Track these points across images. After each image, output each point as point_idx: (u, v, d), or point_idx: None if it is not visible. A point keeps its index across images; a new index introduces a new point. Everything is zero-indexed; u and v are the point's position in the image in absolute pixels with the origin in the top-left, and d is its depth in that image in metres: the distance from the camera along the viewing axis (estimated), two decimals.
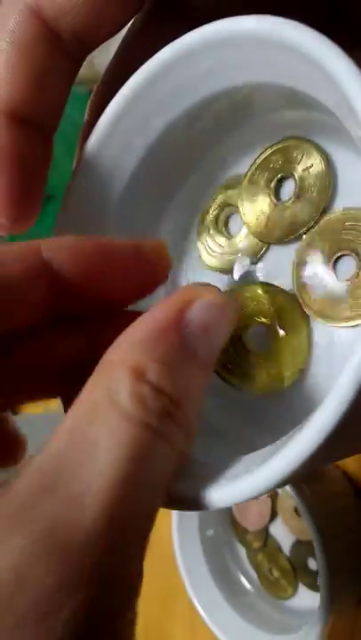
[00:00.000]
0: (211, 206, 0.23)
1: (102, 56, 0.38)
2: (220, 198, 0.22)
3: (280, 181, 0.21)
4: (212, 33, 0.18)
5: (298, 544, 0.39)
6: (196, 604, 0.40)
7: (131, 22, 0.21)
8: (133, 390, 0.14)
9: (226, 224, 0.23)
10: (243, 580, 0.42)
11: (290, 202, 0.20)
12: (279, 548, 0.40)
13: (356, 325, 0.18)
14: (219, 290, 0.18)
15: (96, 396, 0.15)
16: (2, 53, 0.19)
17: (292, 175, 0.20)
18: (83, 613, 0.12)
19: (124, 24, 0.20)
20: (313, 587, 0.38)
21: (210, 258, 0.23)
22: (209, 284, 0.19)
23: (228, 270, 0.22)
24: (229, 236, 0.22)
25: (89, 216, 0.22)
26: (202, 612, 0.40)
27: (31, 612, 0.12)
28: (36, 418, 0.59)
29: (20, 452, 0.21)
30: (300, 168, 0.20)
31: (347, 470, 0.38)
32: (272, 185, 0.21)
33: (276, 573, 0.40)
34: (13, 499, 0.13)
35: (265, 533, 0.41)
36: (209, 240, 0.23)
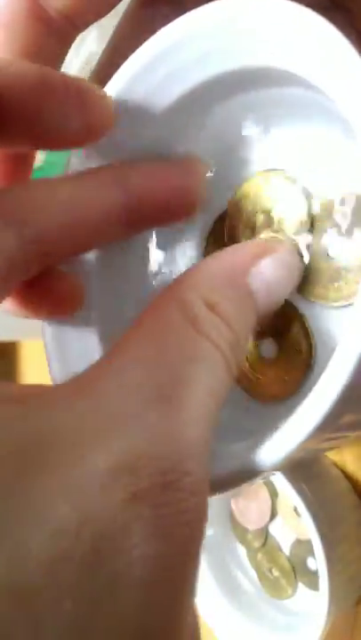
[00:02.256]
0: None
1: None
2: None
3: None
4: (206, 17, 0.17)
5: (298, 543, 0.39)
6: (196, 603, 0.40)
7: (124, 11, 0.21)
8: (209, 317, 0.15)
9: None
10: (243, 579, 0.42)
11: None
12: (279, 548, 0.40)
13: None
14: (293, 249, 0.19)
15: (172, 316, 0.15)
16: None
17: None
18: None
19: (112, 6, 0.20)
20: (313, 586, 0.38)
21: None
22: (285, 241, 0.19)
23: None
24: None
25: None
26: (202, 612, 0.40)
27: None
28: None
29: (78, 302, 0.21)
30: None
31: (347, 470, 0.38)
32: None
33: (275, 573, 0.40)
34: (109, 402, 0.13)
35: (265, 533, 0.41)
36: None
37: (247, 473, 0.16)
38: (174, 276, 0.23)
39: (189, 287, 0.16)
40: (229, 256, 0.17)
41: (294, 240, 0.20)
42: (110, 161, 0.21)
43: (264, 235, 0.20)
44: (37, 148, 0.19)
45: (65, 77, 0.18)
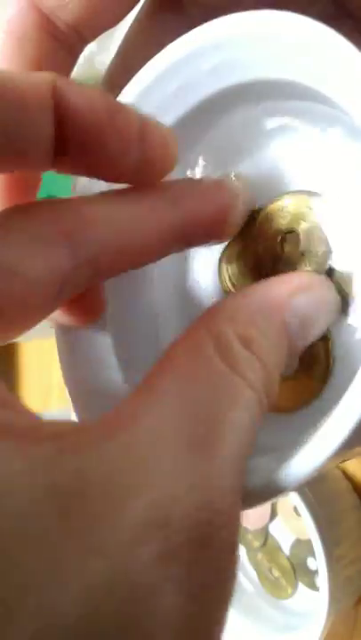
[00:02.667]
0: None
1: (103, 55, 0.38)
2: None
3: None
4: (219, 30, 0.17)
5: (298, 543, 0.39)
6: None
7: (133, 19, 0.21)
8: (245, 355, 0.15)
9: None
10: (243, 579, 0.42)
11: None
12: (279, 548, 0.40)
13: None
14: (328, 284, 0.18)
15: (207, 352, 0.15)
16: None
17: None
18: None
19: (122, 16, 0.20)
20: (313, 586, 0.38)
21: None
22: (322, 277, 0.19)
23: None
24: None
25: None
26: None
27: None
28: None
29: (99, 311, 0.21)
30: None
31: (347, 470, 0.38)
32: None
33: (275, 573, 0.40)
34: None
35: (265, 532, 0.41)
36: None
37: (273, 490, 0.16)
38: (187, 280, 0.23)
39: (225, 320, 0.15)
40: (266, 290, 0.17)
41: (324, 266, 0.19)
42: None
43: (298, 268, 0.20)
44: (91, 176, 0.19)
45: (130, 114, 0.17)
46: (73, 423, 0.14)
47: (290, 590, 0.39)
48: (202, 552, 0.12)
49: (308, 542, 0.37)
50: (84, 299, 0.20)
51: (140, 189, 0.19)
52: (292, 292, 0.17)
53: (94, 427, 0.13)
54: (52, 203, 0.17)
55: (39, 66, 0.19)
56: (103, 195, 0.18)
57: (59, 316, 0.20)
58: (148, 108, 0.20)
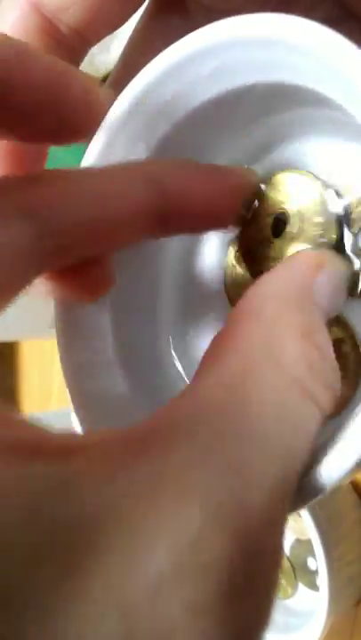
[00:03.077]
0: None
1: (103, 55, 0.38)
2: None
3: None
4: (218, 33, 0.17)
5: (297, 543, 0.39)
6: None
7: (136, 22, 0.21)
8: (307, 357, 0.13)
9: None
10: None
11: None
12: None
13: None
14: (339, 258, 0.18)
15: (256, 357, 0.13)
16: None
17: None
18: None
19: (125, 18, 0.20)
20: (313, 586, 0.38)
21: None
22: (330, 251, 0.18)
23: None
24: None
25: None
26: None
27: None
28: (36, 418, 0.59)
29: (107, 286, 0.20)
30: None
31: None
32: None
33: None
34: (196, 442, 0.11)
35: None
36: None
37: (300, 499, 0.15)
38: (194, 263, 0.23)
39: (269, 317, 0.14)
40: (290, 273, 0.15)
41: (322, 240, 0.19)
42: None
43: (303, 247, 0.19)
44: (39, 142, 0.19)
45: (78, 75, 0.17)
46: (92, 438, 0.12)
47: (290, 590, 0.39)
48: (237, 606, 0.10)
49: (308, 542, 0.37)
50: (91, 272, 0.19)
51: (124, 165, 0.18)
52: (313, 270, 0.16)
53: (116, 444, 0.11)
54: (23, 177, 0.17)
55: None
56: (82, 169, 0.18)
57: (62, 289, 0.19)
58: (146, 113, 0.20)
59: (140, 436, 0.11)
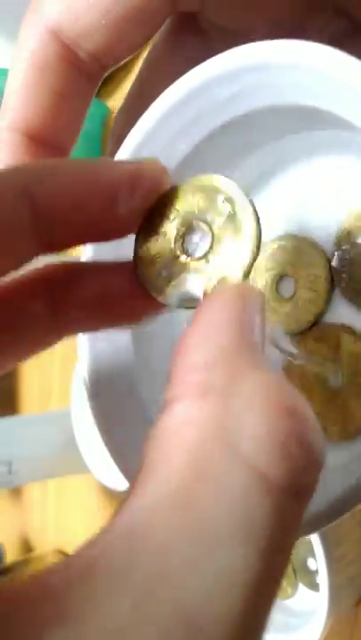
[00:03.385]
0: None
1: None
2: None
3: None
4: (236, 59, 0.17)
5: (298, 543, 0.39)
6: None
7: (152, 45, 0.21)
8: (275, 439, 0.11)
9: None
10: None
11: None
12: None
13: None
14: (251, 286, 0.16)
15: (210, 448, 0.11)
16: (20, 73, 0.19)
17: None
18: None
19: (143, 42, 0.20)
20: (313, 587, 0.38)
21: None
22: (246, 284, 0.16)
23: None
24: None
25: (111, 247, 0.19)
26: None
27: None
28: (36, 418, 0.59)
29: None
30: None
31: None
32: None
33: None
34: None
35: None
36: None
37: (339, 509, 0.14)
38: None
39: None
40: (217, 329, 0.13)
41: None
42: None
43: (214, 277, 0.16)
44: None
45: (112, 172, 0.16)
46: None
47: (290, 591, 0.39)
48: None
49: (309, 542, 0.37)
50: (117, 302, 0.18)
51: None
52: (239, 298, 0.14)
53: (60, 572, 0.10)
54: None
55: (60, 94, 0.20)
56: None
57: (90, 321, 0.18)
58: (166, 134, 0.20)
59: (55, 595, 0.10)
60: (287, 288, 0.22)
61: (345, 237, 0.20)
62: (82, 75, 0.20)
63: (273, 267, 0.22)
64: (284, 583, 0.39)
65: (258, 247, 0.15)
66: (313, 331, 0.21)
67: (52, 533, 0.62)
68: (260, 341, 0.13)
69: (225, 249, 0.16)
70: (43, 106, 0.19)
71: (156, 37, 0.21)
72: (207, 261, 0.16)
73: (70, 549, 0.59)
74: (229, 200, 0.16)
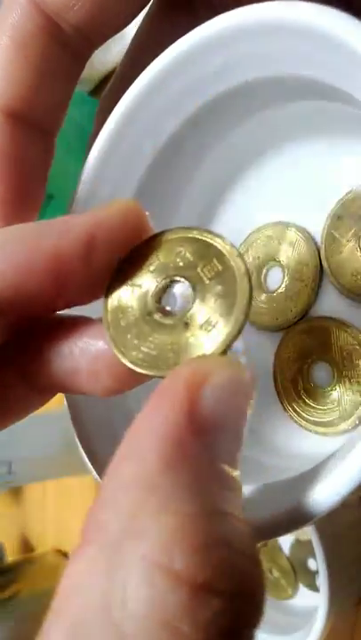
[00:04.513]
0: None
1: (103, 55, 0.38)
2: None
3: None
4: (226, 25, 0.16)
5: (297, 544, 0.39)
6: None
7: (140, 22, 0.21)
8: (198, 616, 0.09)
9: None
10: None
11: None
12: (279, 548, 0.40)
13: None
14: (229, 355, 0.13)
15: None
16: (1, 48, 0.18)
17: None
18: None
19: (130, 19, 0.19)
20: (313, 587, 0.38)
21: None
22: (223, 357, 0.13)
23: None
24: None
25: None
26: None
27: None
28: (36, 418, 0.59)
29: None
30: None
31: None
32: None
33: (275, 573, 0.40)
34: None
35: None
36: None
37: (300, 518, 0.14)
38: None
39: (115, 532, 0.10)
40: (156, 418, 0.11)
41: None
42: (124, 175, 0.20)
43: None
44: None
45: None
46: None
47: (290, 591, 0.39)
48: None
49: (308, 542, 0.37)
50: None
51: None
52: (191, 395, 0.11)
53: None
54: None
55: (43, 72, 0.19)
56: None
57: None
58: (152, 111, 0.19)
59: None
60: (274, 279, 0.21)
61: (335, 224, 0.20)
62: (66, 51, 0.19)
63: (258, 256, 0.21)
64: (285, 583, 0.39)
65: (247, 314, 0.13)
66: (301, 324, 0.20)
67: (51, 533, 0.62)
68: (209, 460, 0.11)
69: (207, 312, 0.14)
70: (23, 82, 0.18)
71: (147, 15, 0.20)
72: (185, 326, 0.14)
73: (70, 549, 0.59)
74: (219, 256, 0.14)
